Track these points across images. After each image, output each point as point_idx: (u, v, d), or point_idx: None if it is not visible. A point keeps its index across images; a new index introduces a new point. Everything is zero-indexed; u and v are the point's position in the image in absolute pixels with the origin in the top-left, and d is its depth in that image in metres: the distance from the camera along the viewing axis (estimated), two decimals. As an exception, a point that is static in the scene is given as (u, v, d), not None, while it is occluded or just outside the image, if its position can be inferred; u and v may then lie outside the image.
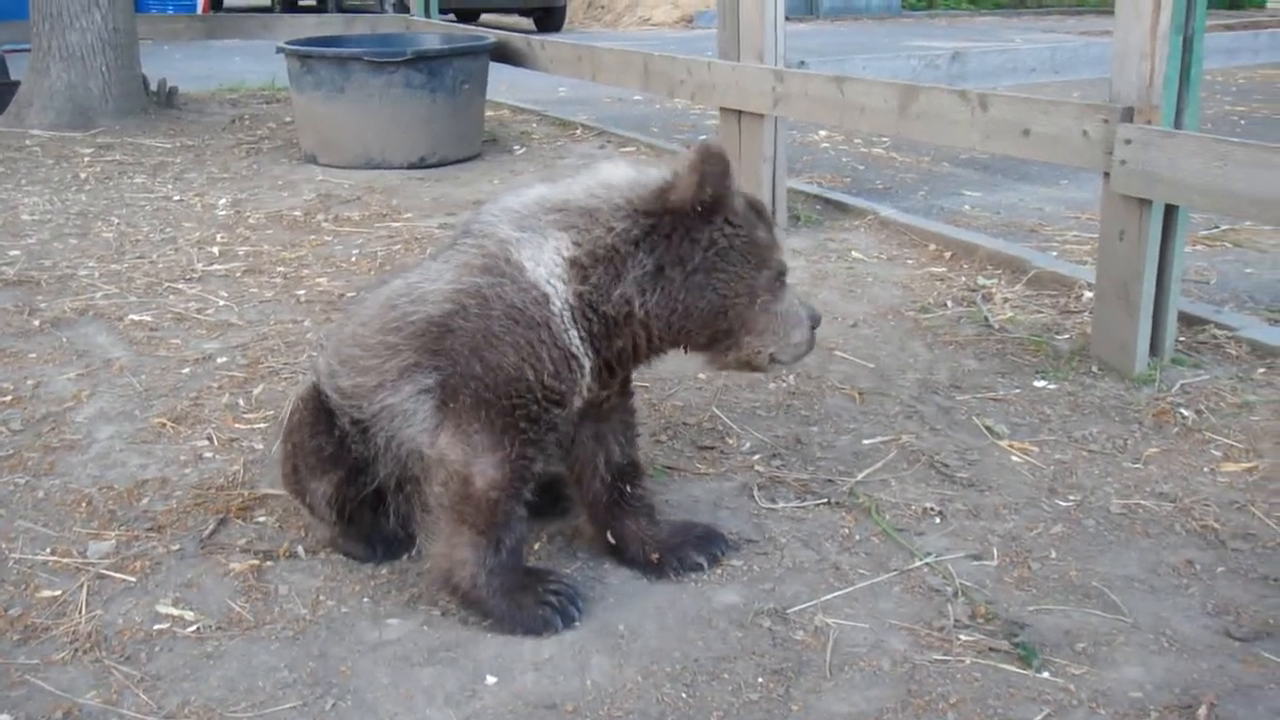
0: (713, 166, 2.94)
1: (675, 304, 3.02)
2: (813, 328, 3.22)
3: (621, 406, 3.40)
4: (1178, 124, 4.61)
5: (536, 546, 3.56)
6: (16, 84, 11.04)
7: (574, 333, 3.03)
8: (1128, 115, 4.64)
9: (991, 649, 3.06)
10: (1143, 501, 3.82)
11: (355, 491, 3.37)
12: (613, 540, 3.47)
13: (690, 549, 3.42)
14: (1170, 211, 4.70)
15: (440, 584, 3.20)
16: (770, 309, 3.10)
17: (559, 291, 3.01)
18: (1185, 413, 4.42)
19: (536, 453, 3.10)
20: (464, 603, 3.19)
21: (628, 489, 3.40)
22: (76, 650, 3.08)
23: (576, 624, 3.16)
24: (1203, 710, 2.80)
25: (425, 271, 3.22)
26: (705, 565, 3.40)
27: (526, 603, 3.15)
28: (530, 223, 3.08)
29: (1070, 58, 8.40)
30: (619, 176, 3.13)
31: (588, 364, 3.07)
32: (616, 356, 3.11)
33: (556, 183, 3.23)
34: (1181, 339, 5.00)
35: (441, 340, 3.04)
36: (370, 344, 3.18)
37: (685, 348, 3.18)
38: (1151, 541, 3.60)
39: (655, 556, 3.39)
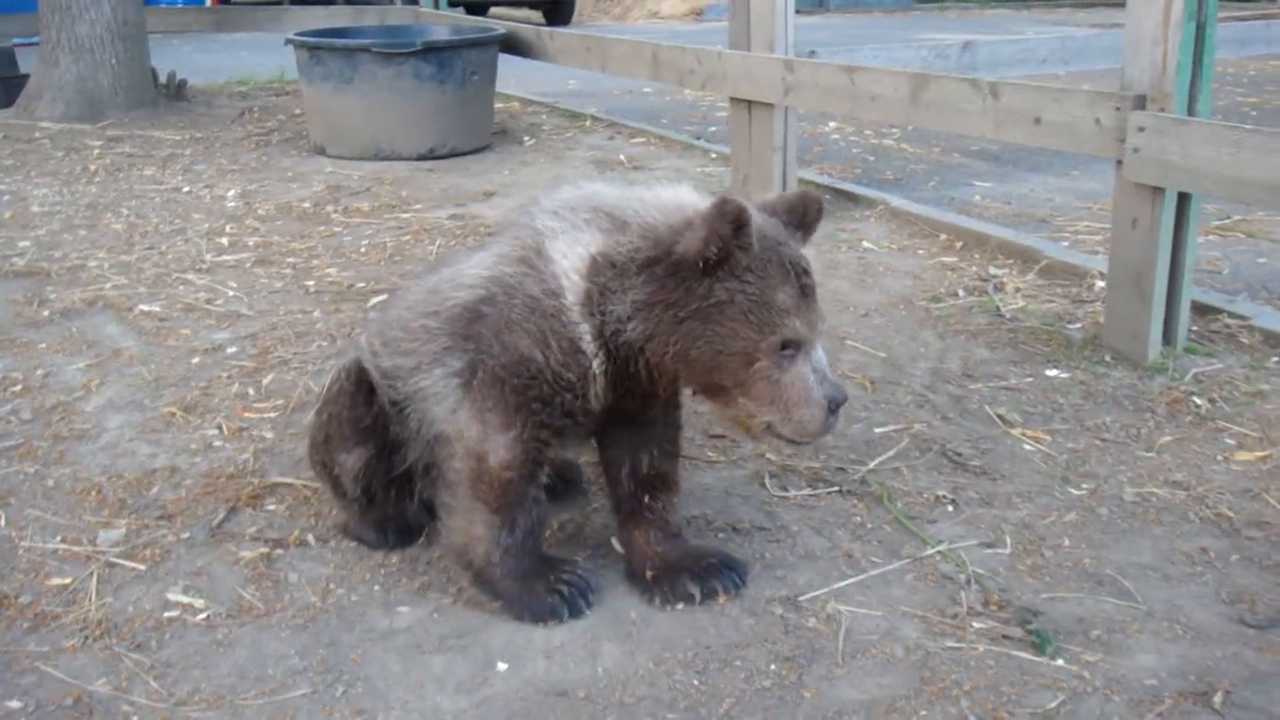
0: (723, 226, 2.81)
1: (667, 343, 2.95)
2: (831, 410, 2.91)
3: (665, 420, 3.34)
4: (1191, 111, 4.59)
5: (548, 534, 3.53)
6: (25, 77, 11.05)
7: (584, 326, 3.01)
8: (1140, 103, 4.61)
9: (1005, 636, 3.04)
10: (1156, 490, 3.80)
11: (384, 470, 3.42)
12: (619, 547, 3.47)
13: (687, 577, 3.24)
14: (1183, 200, 4.68)
15: (455, 559, 3.22)
16: (772, 377, 2.90)
17: (574, 285, 3.01)
18: (1198, 401, 4.39)
19: (549, 436, 3.10)
20: (476, 580, 3.18)
21: (647, 499, 3.33)
22: (87, 638, 3.07)
23: (585, 615, 3.15)
24: (1218, 697, 2.79)
25: (470, 259, 3.28)
26: (698, 598, 3.21)
27: (537, 588, 3.15)
28: (571, 216, 3.10)
29: (1081, 48, 8.39)
30: (669, 198, 3.09)
31: (596, 360, 3.04)
32: (625, 367, 3.05)
33: (614, 185, 3.24)
34: (1194, 328, 4.97)
35: (471, 325, 3.11)
36: (412, 327, 3.27)
37: (692, 390, 3.15)
38: (1165, 530, 3.58)
39: (650, 575, 3.28)
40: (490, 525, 3.13)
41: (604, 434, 3.35)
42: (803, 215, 3.06)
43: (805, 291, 2.91)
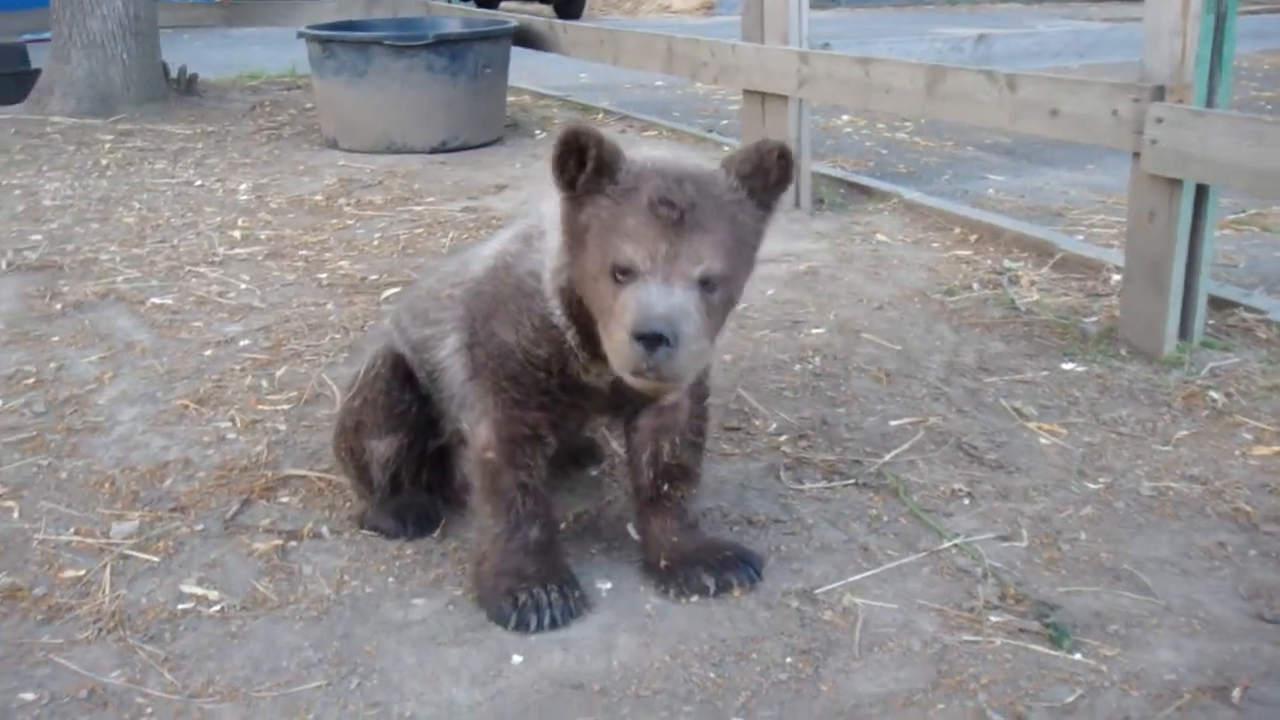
0: (560, 148, 2.80)
1: (574, 278, 2.92)
2: (639, 339, 2.63)
3: (691, 410, 3.32)
4: (1209, 103, 4.56)
5: (564, 526, 3.52)
6: (37, 72, 11.04)
7: (555, 301, 3.01)
8: (1159, 94, 4.59)
9: (1022, 630, 3.03)
10: (1173, 484, 3.78)
11: (413, 459, 3.46)
12: (636, 535, 3.45)
13: (702, 569, 3.22)
14: (1201, 192, 4.65)
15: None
16: (608, 304, 2.76)
17: (551, 263, 3.02)
18: (1215, 395, 4.37)
19: (523, 414, 3.11)
20: (473, 571, 3.23)
21: (666, 488, 3.31)
22: (100, 630, 3.07)
23: (558, 629, 3.06)
24: (1237, 693, 2.77)
25: (497, 235, 3.36)
26: (712, 590, 3.19)
27: (516, 590, 3.10)
28: None
29: (1095, 41, 8.38)
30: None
31: (570, 332, 3.01)
32: (591, 330, 2.95)
33: None
34: (1210, 322, 4.94)
35: (473, 302, 3.18)
36: (440, 297, 3.35)
37: None
38: (1182, 524, 3.56)
39: (665, 565, 3.26)
40: (483, 513, 3.19)
41: (629, 420, 3.34)
42: (759, 165, 2.86)
43: (656, 221, 2.72)
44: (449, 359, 3.28)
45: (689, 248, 2.71)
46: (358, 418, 3.48)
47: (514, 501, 3.15)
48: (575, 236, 2.86)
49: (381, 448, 3.44)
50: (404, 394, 3.44)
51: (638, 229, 2.72)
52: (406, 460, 3.47)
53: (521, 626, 3.04)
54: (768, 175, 2.87)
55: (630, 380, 2.75)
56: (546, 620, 3.05)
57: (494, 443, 3.14)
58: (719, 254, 2.75)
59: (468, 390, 3.23)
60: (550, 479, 3.27)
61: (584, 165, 2.80)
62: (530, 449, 3.15)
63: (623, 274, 2.72)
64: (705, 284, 2.73)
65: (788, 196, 6.35)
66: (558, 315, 3.01)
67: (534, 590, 3.09)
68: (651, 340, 2.62)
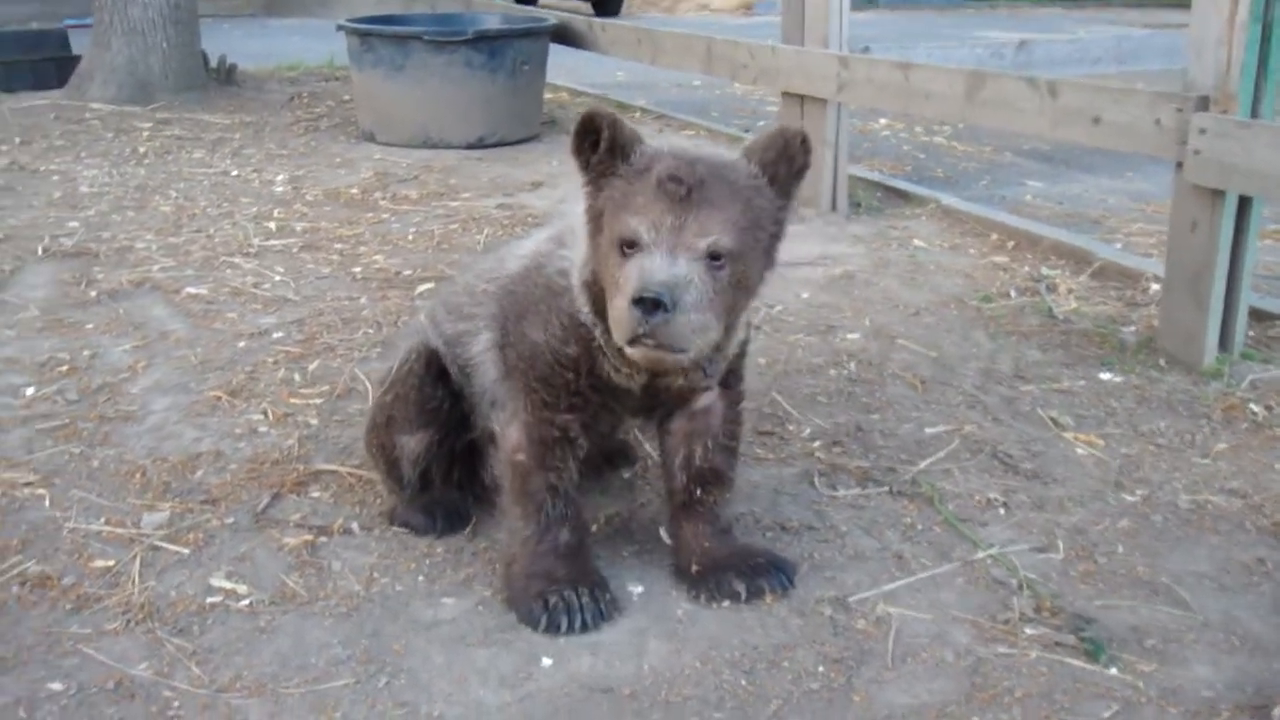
0: (579, 127, 2.88)
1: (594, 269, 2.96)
2: (637, 304, 2.66)
3: (725, 415, 3.29)
4: (1254, 114, 4.51)
5: (595, 529, 3.50)
6: (77, 58, 11.09)
7: (583, 298, 3.02)
8: (1203, 104, 4.54)
9: (1058, 643, 2.99)
10: (1212, 497, 3.74)
11: (443, 455, 3.47)
12: (668, 539, 3.43)
13: (733, 575, 3.19)
14: (1244, 203, 4.61)
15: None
16: (615, 276, 2.81)
17: (580, 262, 3.03)
18: (1255, 408, 4.32)
19: (553, 416, 3.10)
20: (503, 572, 3.22)
21: (699, 493, 3.28)
22: (129, 621, 3.06)
23: (589, 632, 3.05)
24: (1277, 711, 2.73)
25: (534, 233, 3.38)
26: (743, 596, 3.15)
27: (547, 593, 3.09)
28: None
29: (1136, 48, 8.32)
30: None
31: (598, 329, 3.01)
32: None
33: None
34: (1251, 333, 4.90)
35: (505, 300, 3.20)
36: (475, 292, 3.36)
37: None
38: (1221, 538, 3.52)
39: (697, 570, 3.23)
40: (512, 514, 3.18)
41: (662, 423, 3.32)
42: (782, 151, 2.88)
43: (664, 196, 2.76)
44: (481, 355, 3.29)
45: (695, 221, 2.75)
46: (389, 413, 3.47)
47: (544, 504, 3.13)
48: (594, 222, 2.91)
49: (412, 443, 3.43)
50: (436, 390, 3.43)
51: (645, 204, 2.77)
52: (437, 457, 3.46)
53: (552, 629, 3.03)
54: (791, 162, 2.89)
55: (630, 352, 2.79)
56: (578, 623, 3.03)
57: (524, 444, 3.13)
58: (728, 230, 2.77)
59: (499, 390, 3.24)
60: (582, 480, 3.25)
61: (598, 146, 2.86)
62: (561, 451, 3.14)
63: (629, 247, 2.77)
64: (713, 258, 2.75)
65: (824, 199, 6.31)
66: (585, 312, 3.01)
67: (565, 593, 3.07)
68: (649, 305, 2.65)
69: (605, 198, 2.87)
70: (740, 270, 2.81)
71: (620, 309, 2.72)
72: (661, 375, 3.07)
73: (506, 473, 3.18)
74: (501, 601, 3.16)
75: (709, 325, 2.76)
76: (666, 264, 2.70)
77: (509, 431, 3.16)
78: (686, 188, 2.75)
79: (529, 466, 3.13)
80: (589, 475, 3.56)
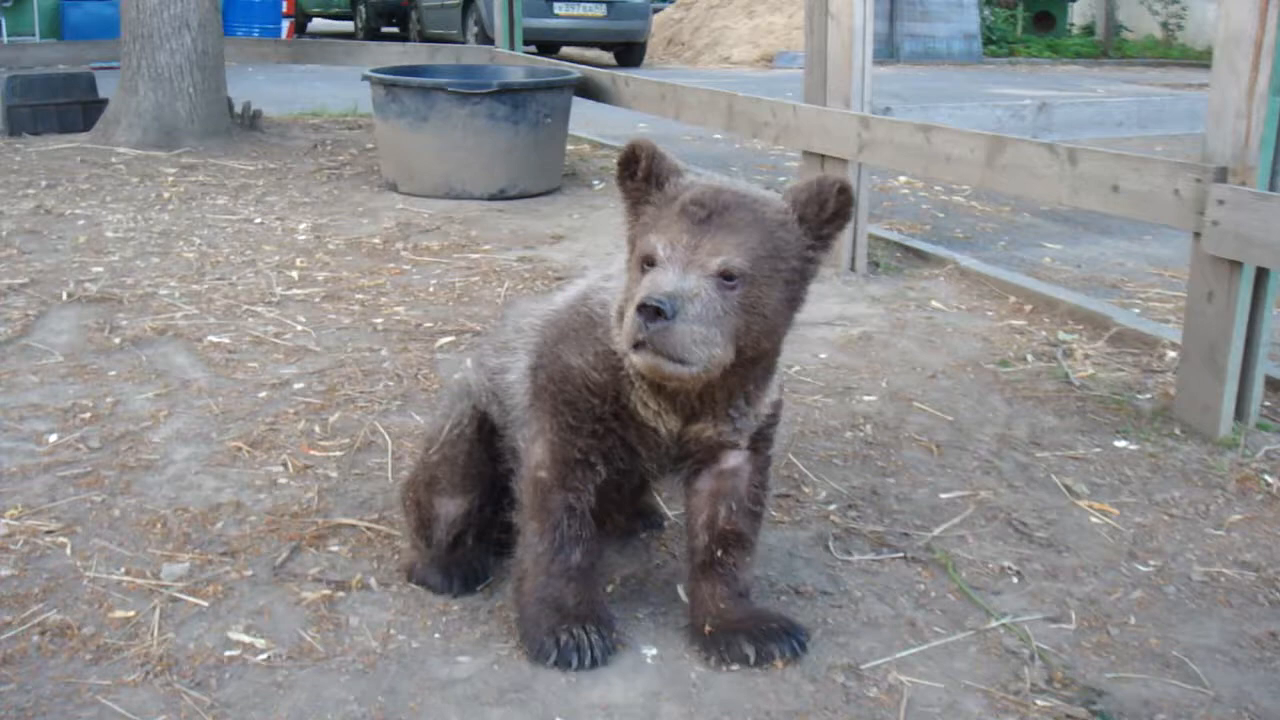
0: (622, 157, 3.07)
1: None
2: (641, 311, 2.76)
3: (752, 478, 3.31)
4: (1273, 186, 4.54)
5: (610, 589, 3.52)
6: (104, 102, 11.22)
7: (616, 328, 3.04)
8: (1221, 175, 4.57)
9: (1069, 716, 3.00)
10: (1225, 570, 3.75)
11: (481, 520, 3.50)
12: (684, 597, 3.45)
13: (744, 638, 3.18)
14: (1261, 274, 4.63)
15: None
16: (633, 291, 2.91)
17: (618, 294, 3.09)
18: (1270, 480, 4.33)
19: (574, 439, 3.16)
20: (514, 588, 3.28)
21: (719, 554, 3.29)
22: (148, 673, 3.08)
23: (597, 668, 3.13)
24: (1287, 790, 2.74)
25: (589, 273, 3.47)
26: (753, 659, 3.15)
27: (556, 626, 3.16)
28: None
29: (1157, 112, 8.30)
30: None
31: (627, 359, 3.02)
32: None
33: None
34: (1267, 404, 4.91)
35: (548, 328, 3.28)
36: (522, 325, 3.43)
37: None
38: (1234, 612, 3.52)
39: (709, 630, 3.24)
40: (529, 530, 3.23)
41: (689, 482, 3.33)
42: (822, 202, 2.97)
43: (685, 218, 2.89)
44: (517, 383, 3.34)
45: (710, 241, 2.85)
46: (433, 473, 3.49)
47: (560, 522, 3.19)
48: (630, 247, 3.04)
49: (451, 508, 3.46)
50: (485, 451, 3.47)
51: (667, 225, 2.91)
52: (474, 522, 3.49)
53: (562, 664, 3.10)
54: (823, 206, 2.97)
55: (633, 359, 2.85)
56: (588, 660, 3.11)
57: (547, 462, 3.18)
58: (743, 253, 2.85)
59: (528, 414, 3.28)
60: (604, 539, 3.32)
61: (636, 175, 3.02)
62: (581, 473, 3.19)
63: (648, 264, 2.88)
64: (725, 277, 2.83)
65: (844, 258, 6.33)
66: (618, 341, 3.03)
67: (574, 630, 3.13)
68: (651, 312, 2.74)
69: (640, 224, 3.00)
70: (754, 295, 2.87)
71: (626, 316, 2.84)
72: (691, 420, 3.14)
73: (527, 489, 3.23)
74: (513, 621, 3.24)
75: (712, 340, 2.80)
76: (675, 277, 2.80)
77: (533, 449, 3.22)
78: (707, 211, 2.88)
79: (550, 484, 3.18)
80: (613, 533, 3.66)
